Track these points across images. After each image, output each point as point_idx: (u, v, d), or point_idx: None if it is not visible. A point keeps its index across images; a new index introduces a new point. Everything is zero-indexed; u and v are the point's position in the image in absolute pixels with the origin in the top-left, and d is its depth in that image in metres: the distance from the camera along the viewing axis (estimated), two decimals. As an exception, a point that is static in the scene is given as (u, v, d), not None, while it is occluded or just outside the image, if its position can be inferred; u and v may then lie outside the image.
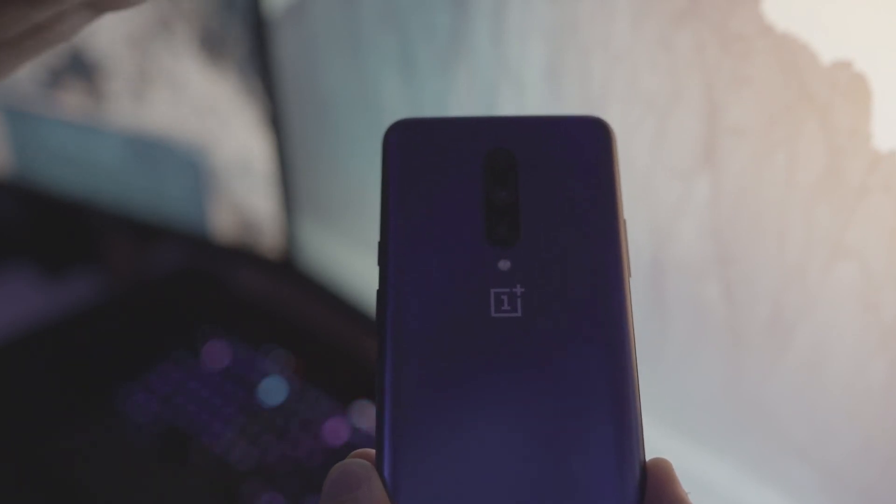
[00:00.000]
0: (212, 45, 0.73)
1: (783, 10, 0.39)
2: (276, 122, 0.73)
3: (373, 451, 0.22)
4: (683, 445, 0.50)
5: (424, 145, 0.25)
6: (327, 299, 0.78)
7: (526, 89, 0.52)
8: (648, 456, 0.22)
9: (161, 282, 0.99)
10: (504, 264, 0.23)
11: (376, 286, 0.24)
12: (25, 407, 0.80)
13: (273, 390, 0.81)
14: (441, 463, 0.22)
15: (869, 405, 0.41)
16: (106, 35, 0.78)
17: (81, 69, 0.81)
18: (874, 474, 0.42)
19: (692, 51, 0.43)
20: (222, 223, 0.82)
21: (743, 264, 0.44)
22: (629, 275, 0.24)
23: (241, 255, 0.84)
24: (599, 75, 0.48)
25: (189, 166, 0.81)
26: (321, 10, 0.65)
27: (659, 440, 0.51)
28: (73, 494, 0.71)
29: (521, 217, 0.24)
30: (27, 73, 0.84)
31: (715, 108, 0.43)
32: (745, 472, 0.48)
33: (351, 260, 0.74)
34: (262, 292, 0.93)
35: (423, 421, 0.22)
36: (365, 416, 0.77)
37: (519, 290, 0.23)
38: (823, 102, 0.39)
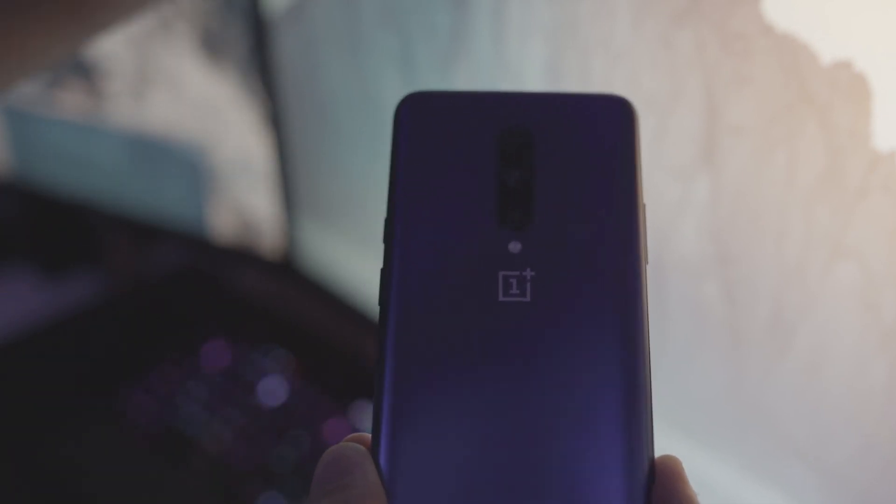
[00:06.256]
0: (212, 45, 0.73)
1: (784, 10, 0.39)
2: (276, 122, 0.73)
3: (368, 436, 0.21)
4: (683, 446, 0.50)
5: (437, 119, 0.24)
6: (327, 299, 0.78)
7: (526, 89, 0.52)
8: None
9: (161, 282, 0.98)
10: (515, 246, 0.22)
11: (381, 268, 0.23)
12: (25, 407, 0.80)
13: (273, 390, 0.81)
14: (439, 450, 0.21)
15: (869, 406, 0.41)
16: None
17: (81, 69, 0.81)
18: (874, 475, 0.42)
19: (692, 50, 0.43)
20: (222, 223, 0.82)
21: (743, 264, 0.44)
22: (646, 262, 0.23)
23: (241, 255, 0.84)
24: (599, 75, 0.48)
25: (189, 166, 0.80)
26: (321, 10, 0.65)
27: (658, 440, 0.50)
28: (72, 494, 0.71)
29: (534, 198, 0.23)
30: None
31: (715, 107, 0.43)
32: (745, 473, 0.48)
33: (351, 260, 0.74)
34: (262, 292, 0.93)
35: (423, 407, 0.21)
36: (365, 416, 0.77)
37: (529, 273, 0.22)
38: (823, 102, 0.39)
